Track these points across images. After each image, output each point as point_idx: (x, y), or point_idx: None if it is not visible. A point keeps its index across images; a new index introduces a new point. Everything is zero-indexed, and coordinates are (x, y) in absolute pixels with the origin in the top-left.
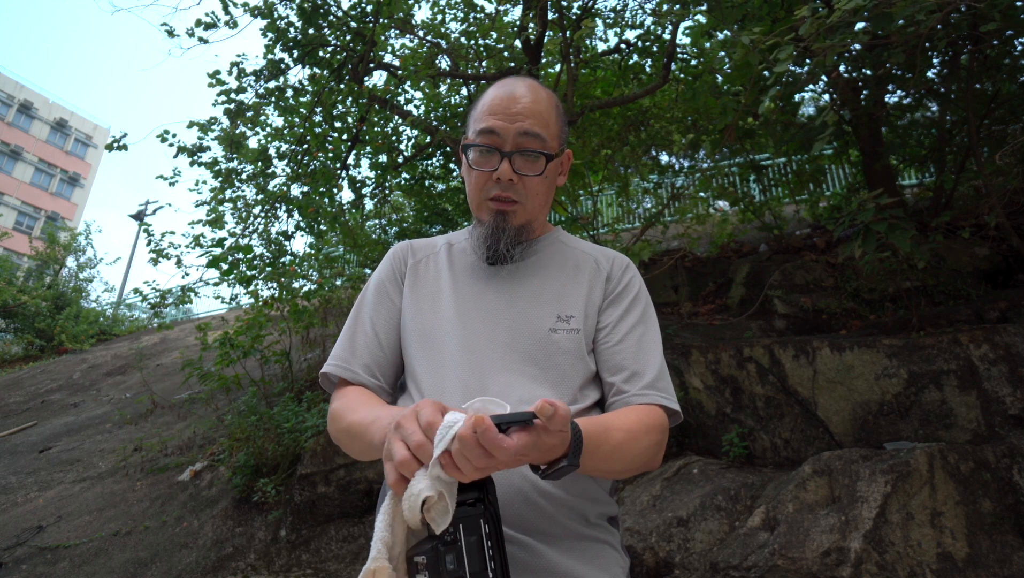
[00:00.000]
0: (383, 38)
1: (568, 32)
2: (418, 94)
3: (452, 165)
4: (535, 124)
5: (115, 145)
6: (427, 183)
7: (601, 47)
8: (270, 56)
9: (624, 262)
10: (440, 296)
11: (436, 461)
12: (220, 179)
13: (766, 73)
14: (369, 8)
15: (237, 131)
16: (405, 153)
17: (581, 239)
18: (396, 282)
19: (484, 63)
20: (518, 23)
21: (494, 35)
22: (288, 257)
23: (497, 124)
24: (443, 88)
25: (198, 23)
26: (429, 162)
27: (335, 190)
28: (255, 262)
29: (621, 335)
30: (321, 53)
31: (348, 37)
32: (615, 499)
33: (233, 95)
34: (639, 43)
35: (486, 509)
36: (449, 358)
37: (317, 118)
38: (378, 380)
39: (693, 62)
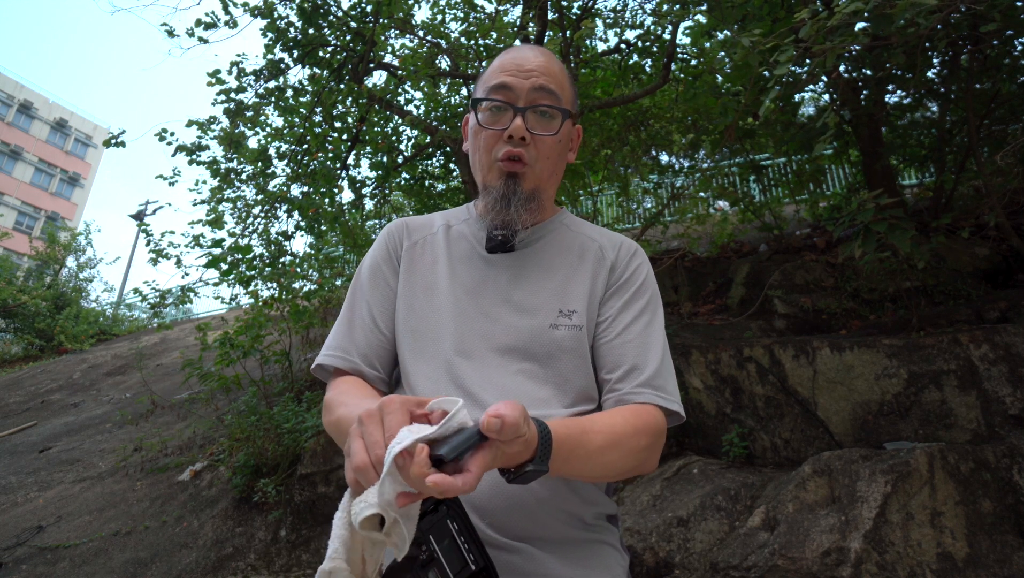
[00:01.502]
0: (383, 38)
1: (568, 32)
2: (418, 94)
3: (452, 165)
4: (549, 81)
5: (113, 142)
6: (427, 183)
7: (601, 47)
8: (270, 56)
9: (631, 248)
10: (436, 287)
11: (390, 488)
12: (219, 179)
13: (766, 73)
14: (369, 8)
15: (237, 131)
16: (405, 153)
17: (587, 222)
18: (392, 264)
19: (484, 63)
20: (518, 23)
21: (494, 35)
22: (288, 257)
23: (510, 80)
24: (443, 88)
25: (198, 23)
26: (429, 162)
27: (335, 190)
28: (255, 262)
29: (620, 329)
30: (321, 53)
31: (348, 37)
32: (614, 499)
33: (233, 95)
34: (639, 43)
35: (448, 508)
36: (445, 357)
37: (317, 118)
38: (377, 370)
39: (693, 62)
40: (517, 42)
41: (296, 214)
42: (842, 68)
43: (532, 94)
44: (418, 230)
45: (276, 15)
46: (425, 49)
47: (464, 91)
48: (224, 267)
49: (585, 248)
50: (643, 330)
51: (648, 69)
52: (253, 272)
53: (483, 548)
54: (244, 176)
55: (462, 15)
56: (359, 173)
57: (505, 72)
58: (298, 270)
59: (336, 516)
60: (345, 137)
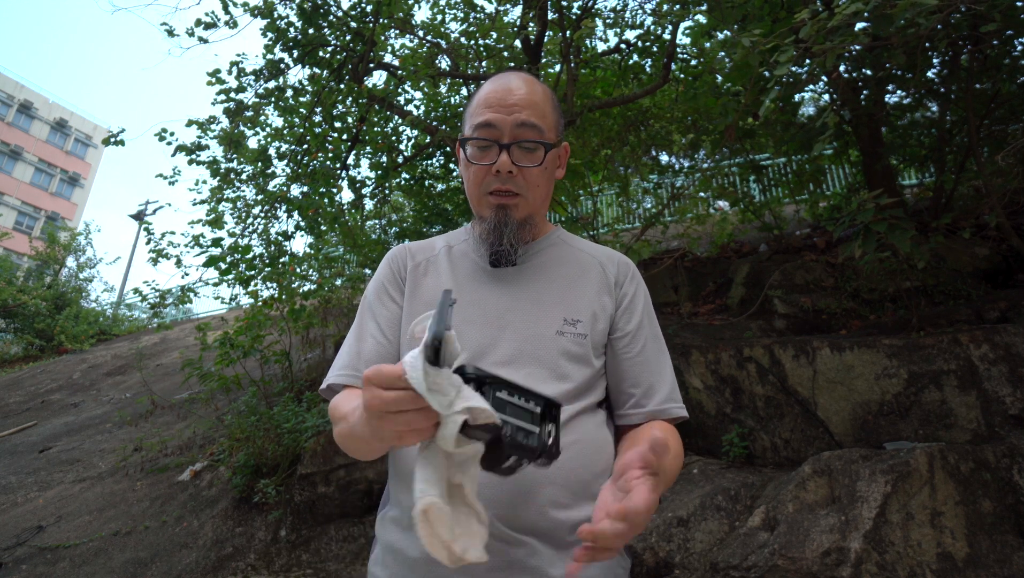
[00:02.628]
0: (383, 38)
1: (568, 32)
2: (418, 94)
3: (452, 165)
4: (532, 115)
5: (112, 140)
6: (427, 183)
7: (601, 47)
8: (270, 56)
9: (628, 266)
10: None
11: (433, 379)
12: (219, 179)
13: (766, 73)
14: (369, 8)
15: (236, 131)
16: (405, 153)
17: (581, 238)
18: (397, 284)
19: (484, 63)
20: (518, 23)
21: (494, 35)
22: (287, 257)
23: (494, 117)
24: (443, 88)
25: (198, 23)
26: (429, 162)
27: (335, 190)
28: (255, 262)
29: (640, 346)
30: (321, 53)
31: (348, 37)
32: None
33: (233, 95)
34: (639, 43)
35: (484, 381)
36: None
37: (317, 118)
38: None
39: (693, 62)
40: (517, 43)
41: (296, 214)
42: (842, 68)
43: (516, 130)
44: (420, 252)
45: (276, 15)
46: (425, 49)
47: (464, 91)
48: (223, 266)
49: (585, 263)
50: (655, 345)
51: (648, 69)
52: (253, 272)
53: (531, 390)
54: (244, 176)
55: (462, 15)
56: (359, 173)
57: (489, 108)
58: (297, 270)
59: (416, 467)
60: (345, 137)
